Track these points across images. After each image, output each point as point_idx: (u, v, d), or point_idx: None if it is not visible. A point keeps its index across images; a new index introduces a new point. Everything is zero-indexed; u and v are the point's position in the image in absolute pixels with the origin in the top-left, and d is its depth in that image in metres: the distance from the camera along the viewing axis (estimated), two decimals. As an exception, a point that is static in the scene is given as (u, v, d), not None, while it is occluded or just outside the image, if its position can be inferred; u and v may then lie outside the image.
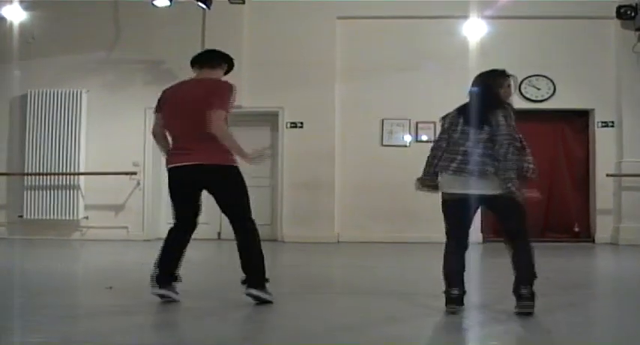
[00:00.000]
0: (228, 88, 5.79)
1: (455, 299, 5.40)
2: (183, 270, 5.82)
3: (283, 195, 12.64)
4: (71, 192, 12.76)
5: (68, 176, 12.73)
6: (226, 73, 6.17)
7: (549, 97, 12.61)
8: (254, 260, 5.67)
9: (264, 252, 5.69)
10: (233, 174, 5.73)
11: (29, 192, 12.73)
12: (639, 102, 12.30)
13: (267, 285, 5.68)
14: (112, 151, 12.72)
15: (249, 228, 5.72)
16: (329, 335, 4.76)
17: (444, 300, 5.46)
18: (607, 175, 12.38)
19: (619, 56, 12.49)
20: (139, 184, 12.79)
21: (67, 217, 12.71)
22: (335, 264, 10.02)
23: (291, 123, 12.71)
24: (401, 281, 7.61)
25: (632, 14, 12.06)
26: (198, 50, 13.02)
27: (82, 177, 12.80)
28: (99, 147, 12.78)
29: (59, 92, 12.79)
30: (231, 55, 6.19)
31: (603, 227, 12.53)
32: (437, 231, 12.08)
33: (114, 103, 12.79)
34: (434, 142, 5.74)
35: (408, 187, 11.71)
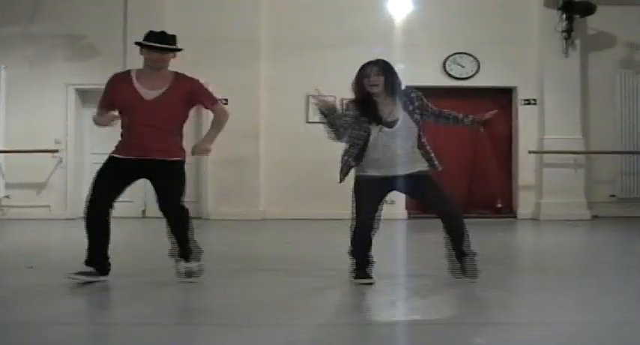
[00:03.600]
0: None
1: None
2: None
3: (208, 172, 12.50)
4: (-9, 170, 12.46)
5: (-13, 154, 12.41)
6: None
7: (473, 75, 12.74)
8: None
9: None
10: None
11: (-54, 171, 12.42)
12: (561, 80, 12.53)
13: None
14: (33, 128, 12.40)
15: None
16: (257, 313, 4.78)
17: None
18: (529, 152, 12.60)
19: (542, 35, 12.66)
20: (61, 161, 12.54)
21: (-13, 197, 12.43)
22: (260, 241, 10.02)
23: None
24: (325, 257, 7.64)
25: (555, -7, 12.28)
26: (121, 24, 12.88)
27: (1, 155, 12.48)
28: (19, 124, 12.44)
29: (-24, 68, 12.44)
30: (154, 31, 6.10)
31: (525, 203, 12.77)
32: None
33: (34, 79, 12.47)
34: None
35: (333, 164, 11.76)
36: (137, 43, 5.92)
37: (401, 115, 5.69)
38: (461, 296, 5.35)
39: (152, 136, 5.78)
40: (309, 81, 12.64)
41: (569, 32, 12.36)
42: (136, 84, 5.85)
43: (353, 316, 4.82)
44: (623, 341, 4.07)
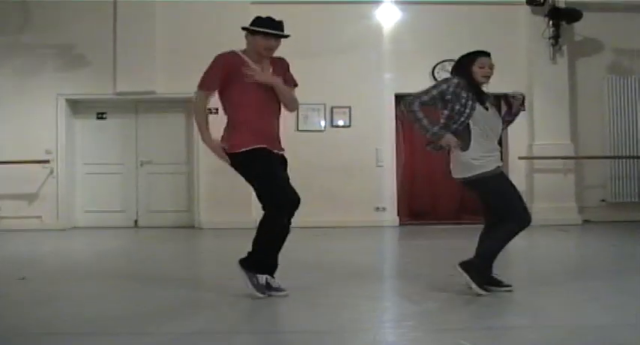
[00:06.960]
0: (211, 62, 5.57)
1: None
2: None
3: (200, 181, 12.46)
4: (-18, 181, 12.44)
5: (-22, 165, 12.40)
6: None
7: (462, 82, 12.73)
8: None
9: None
10: (235, 164, 5.62)
11: (-63, 182, 12.39)
12: (549, 86, 12.60)
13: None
14: (24, 139, 12.40)
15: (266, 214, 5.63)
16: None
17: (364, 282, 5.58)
18: (519, 158, 12.64)
19: (530, 41, 12.75)
20: (52, 172, 12.54)
21: (-22, 208, 12.41)
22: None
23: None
24: (328, 264, 7.65)
25: (542, 0, 12.33)
26: (110, 34, 12.87)
27: (-8, 166, 12.48)
28: (10, 135, 12.44)
29: (-33, 78, 12.43)
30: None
31: (516, 208, 12.79)
32: (353, 215, 12.22)
33: (24, 90, 12.48)
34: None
35: (323, 172, 11.73)
36: (249, 29, 5.61)
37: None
38: (451, 301, 5.36)
39: (275, 123, 5.79)
40: (299, 89, 12.70)
41: (556, 38, 12.46)
42: (252, 65, 5.52)
43: (354, 321, 4.83)
44: (611, 344, 4.10)
